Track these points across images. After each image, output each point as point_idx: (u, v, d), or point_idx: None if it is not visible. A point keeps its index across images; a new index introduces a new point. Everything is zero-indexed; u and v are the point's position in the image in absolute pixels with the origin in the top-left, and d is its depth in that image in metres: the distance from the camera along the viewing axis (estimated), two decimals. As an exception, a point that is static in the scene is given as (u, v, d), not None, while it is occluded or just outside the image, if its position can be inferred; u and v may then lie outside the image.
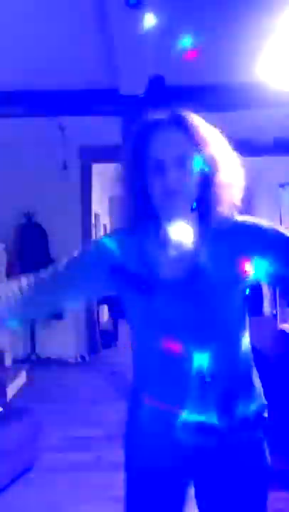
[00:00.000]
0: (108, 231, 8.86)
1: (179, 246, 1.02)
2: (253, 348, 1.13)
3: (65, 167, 5.12)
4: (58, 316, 5.50)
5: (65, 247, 6.03)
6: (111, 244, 1.12)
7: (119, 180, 1.18)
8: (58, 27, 2.74)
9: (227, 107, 3.84)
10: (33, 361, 5.35)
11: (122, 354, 5.64)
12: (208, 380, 1.00)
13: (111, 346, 6.24)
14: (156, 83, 3.58)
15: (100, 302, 6.40)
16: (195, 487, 1.14)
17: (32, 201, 5.48)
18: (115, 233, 1.20)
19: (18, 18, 2.61)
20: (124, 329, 6.39)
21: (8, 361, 4.45)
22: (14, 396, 4.26)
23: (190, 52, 2.73)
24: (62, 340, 5.67)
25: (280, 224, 7.71)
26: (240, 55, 3.16)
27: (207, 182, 1.05)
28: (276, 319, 7.20)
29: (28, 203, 5.45)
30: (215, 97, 3.71)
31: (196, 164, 1.02)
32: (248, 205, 1.20)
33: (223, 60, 3.24)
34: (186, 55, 2.75)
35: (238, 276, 1.04)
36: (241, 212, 1.16)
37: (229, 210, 1.10)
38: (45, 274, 1.24)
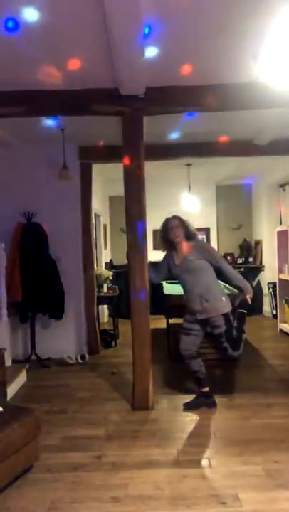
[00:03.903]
0: (108, 231, 8.88)
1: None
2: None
3: (65, 167, 5.12)
4: (58, 316, 5.51)
5: (65, 247, 6.10)
6: (166, 256, 3.91)
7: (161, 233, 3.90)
8: (57, 26, 2.74)
9: (227, 107, 3.83)
10: (33, 361, 5.35)
11: (122, 354, 5.64)
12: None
13: (111, 346, 6.24)
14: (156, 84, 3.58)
15: (100, 302, 6.40)
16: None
17: (32, 201, 5.49)
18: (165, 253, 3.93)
19: (18, 18, 2.61)
20: (124, 329, 6.39)
21: (8, 361, 4.45)
22: (14, 396, 4.27)
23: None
24: (63, 340, 5.67)
25: (280, 224, 7.71)
26: (240, 55, 3.16)
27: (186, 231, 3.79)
28: (276, 319, 7.22)
29: (28, 203, 5.46)
30: (215, 97, 3.70)
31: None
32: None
33: (224, 60, 3.24)
34: None
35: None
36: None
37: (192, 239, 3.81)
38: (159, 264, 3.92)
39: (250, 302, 3.74)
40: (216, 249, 4.08)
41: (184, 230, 3.78)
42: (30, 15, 2.57)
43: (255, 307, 8.32)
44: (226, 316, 3.65)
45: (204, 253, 3.74)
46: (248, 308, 3.79)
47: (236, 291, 3.93)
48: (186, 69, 3.36)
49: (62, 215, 5.62)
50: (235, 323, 3.71)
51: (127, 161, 3.77)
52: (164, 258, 3.92)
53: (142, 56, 2.96)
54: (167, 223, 3.82)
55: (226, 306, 3.68)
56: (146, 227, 3.86)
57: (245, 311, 3.77)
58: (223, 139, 5.33)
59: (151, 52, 3.01)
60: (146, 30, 2.74)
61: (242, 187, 9.27)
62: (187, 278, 3.73)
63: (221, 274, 3.76)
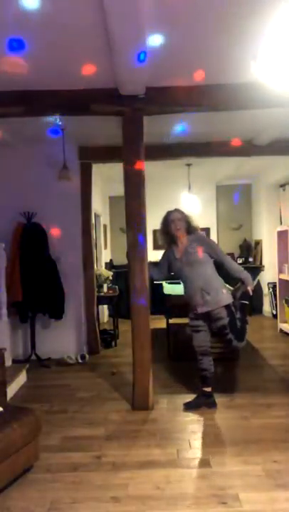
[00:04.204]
0: (108, 231, 8.88)
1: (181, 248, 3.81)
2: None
3: (65, 167, 5.12)
4: (58, 316, 5.51)
5: (65, 247, 6.10)
6: (167, 251, 3.93)
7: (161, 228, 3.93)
8: (57, 26, 2.74)
9: (227, 106, 3.84)
10: (33, 361, 5.35)
11: (122, 354, 5.64)
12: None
13: (111, 346, 6.24)
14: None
15: (100, 302, 6.40)
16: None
17: (32, 201, 5.49)
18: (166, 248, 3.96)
19: (17, 18, 2.61)
20: (124, 329, 6.39)
21: (8, 361, 4.45)
22: (14, 396, 4.27)
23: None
24: (62, 340, 5.67)
25: (280, 224, 7.71)
26: (240, 55, 3.16)
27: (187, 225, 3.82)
28: (276, 319, 7.22)
29: (28, 203, 5.46)
30: (215, 97, 3.71)
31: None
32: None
33: (223, 60, 3.24)
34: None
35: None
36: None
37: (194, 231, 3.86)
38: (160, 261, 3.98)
39: (251, 293, 3.76)
40: (216, 243, 4.13)
41: (186, 223, 3.79)
42: (30, 13, 2.57)
43: (256, 307, 8.32)
44: (227, 307, 3.65)
45: (204, 246, 3.74)
46: (249, 299, 3.81)
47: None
48: (186, 69, 3.35)
49: (62, 215, 5.62)
50: (238, 315, 3.70)
51: (127, 161, 3.77)
52: (164, 254, 3.93)
53: (142, 56, 2.96)
54: (168, 216, 3.82)
55: (227, 298, 3.68)
56: (147, 226, 3.85)
57: (246, 302, 3.78)
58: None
59: (151, 52, 3.01)
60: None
61: (239, 187, 9.27)
62: (187, 271, 3.73)
63: (221, 268, 3.77)
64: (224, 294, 3.69)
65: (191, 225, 3.82)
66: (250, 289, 3.73)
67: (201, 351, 3.82)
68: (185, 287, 3.84)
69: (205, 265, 3.72)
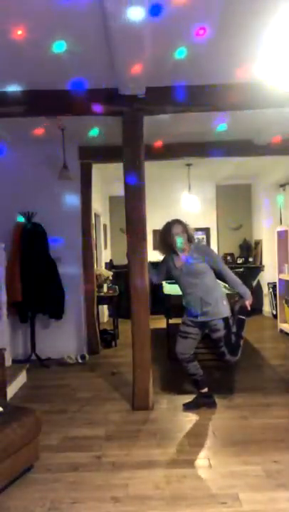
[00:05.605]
0: (108, 231, 8.88)
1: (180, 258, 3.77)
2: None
3: (65, 167, 5.12)
4: (58, 316, 5.51)
5: (65, 247, 6.09)
6: (166, 258, 3.85)
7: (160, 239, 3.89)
8: (57, 26, 2.74)
9: (227, 106, 3.84)
10: (33, 361, 5.35)
11: (122, 354, 5.64)
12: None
13: (111, 346, 6.24)
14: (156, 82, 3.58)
15: (100, 302, 6.40)
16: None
17: (32, 201, 5.49)
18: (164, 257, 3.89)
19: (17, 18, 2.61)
20: (124, 329, 6.39)
21: (8, 361, 4.45)
22: (14, 396, 4.27)
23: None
24: (63, 340, 5.67)
25: (280, 224, 7.71)
26: (240, 54, 3.16)
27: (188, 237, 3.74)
28: (276, 319, 7.22)
29: (28, 203, 5.46)
30: (215, 97, 3.71)
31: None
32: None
33: (224, 59, 3.24)
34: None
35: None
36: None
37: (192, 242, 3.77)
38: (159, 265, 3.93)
39: (249, 308, 3.71)
40: (216, 252, 4.20)
41: (187, 234, 3.74)
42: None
43: (256, 307, 8.32)
44: (225, 320, 3.64)
45: (205, 256, 3.71)
46: (247, 314, 3.76)
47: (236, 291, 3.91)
48: (186, 69, 3.35)
49: (62, 215, 5.62)
50: (234, 329, 3.69)
51: (127, 161, 3.77)
52: (164, 260, 3.89)
53: (142, 56, 2.96)
54: (170, 229, 3.72)
55: (226, 310, 3.67)
56: (147, 227, 3.85)
57: (244, 318, 3.74)
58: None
59: (151, 51, 3.01)
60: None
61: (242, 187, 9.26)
62: (188, 281, 3.71)
63: (220, 277, 3.75)
64: (224, 306, 3.67)
65: (190, 233, 3.77)
66: (248, 304, 3.68)
67: (184, 359, 3.78)
68: (184, 296, 3.81)
69: (205, 275, 3.69)
